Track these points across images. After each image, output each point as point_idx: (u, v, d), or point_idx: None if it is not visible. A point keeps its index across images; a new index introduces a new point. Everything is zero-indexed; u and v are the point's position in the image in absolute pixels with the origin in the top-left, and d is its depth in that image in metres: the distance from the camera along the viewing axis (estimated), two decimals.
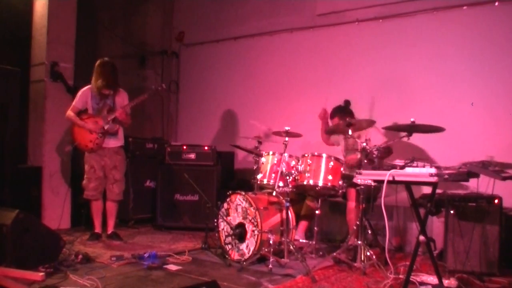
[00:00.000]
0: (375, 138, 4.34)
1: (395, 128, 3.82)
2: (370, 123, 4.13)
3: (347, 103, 4.80)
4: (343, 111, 4.71)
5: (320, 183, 4.11)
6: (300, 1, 6.10)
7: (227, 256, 4.23)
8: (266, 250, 3.98)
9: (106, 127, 4.70)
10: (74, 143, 4.87)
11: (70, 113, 4.75)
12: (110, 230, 4.89)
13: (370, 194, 3.98)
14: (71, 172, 5.55)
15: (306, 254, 4.30)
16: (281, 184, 4.16)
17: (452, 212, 3.87)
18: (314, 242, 4.37)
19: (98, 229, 4.93)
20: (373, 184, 3.68)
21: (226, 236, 4.29)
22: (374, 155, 3.82)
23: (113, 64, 4.82)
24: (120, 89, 4.86)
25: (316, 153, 4.23)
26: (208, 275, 3.69)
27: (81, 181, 4.89)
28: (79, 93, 4.80)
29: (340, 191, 4.22)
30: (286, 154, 4.22)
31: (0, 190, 4.58)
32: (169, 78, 7.31)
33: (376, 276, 3.70)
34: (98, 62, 4.77)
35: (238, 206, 4.24)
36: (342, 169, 4.20)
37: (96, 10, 6.90)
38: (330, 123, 4.87)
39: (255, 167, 4.54)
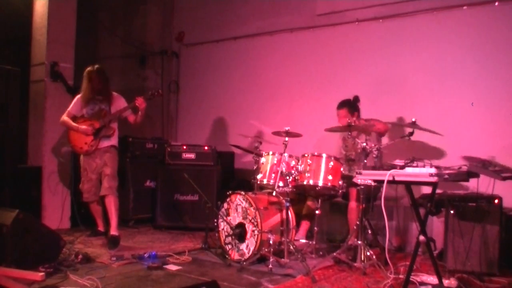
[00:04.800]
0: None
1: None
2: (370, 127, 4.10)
3: (356, 98, 4.74)
4: (352, 105, 4.67)
5: (320, 183, 4.10)
6: (300, 1, 6.10)
7: (227, 256, 4.23)
8: (266, 250, 3.98)
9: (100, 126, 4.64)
10: (69, 145, 4.84)
11: (64, 117, 4.72)
12: (111, 231, 4.64)
13: (370, 194, 3.98)
14: (71, 172, 5.54)
15: (306, 254, 4.29)
16: (281, 184, 4.15)
17: (452, 212, 3.87)
18: (314, 242, 4.36)
19: (100, 227, 4.94)
20: (373, 184, 3.68)
21: (226, 236, 4.29)
22: (374, 155, 3.83)
23: (100, 73, 4.66)
24: (113, 94, 4.77)
25: (316, 153, 4.22)
26: (208, 275, 3.69)
27: (80, 182, 4.88)
28: (75, 99, 4.77)
29: (340, 191, 4.21)
30: (286, 154, 4.22)
31: (0, 190, 4.57)
32: (169, 78, 7.31)
33: (376, 276, 3.70)
34: (85, 72, 4.66)
35: (238, 206, 4.24)
36: (342, 169, 4.20)
37: (96, 10, 6.91)
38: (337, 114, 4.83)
39: (255, 167, 4.53)
